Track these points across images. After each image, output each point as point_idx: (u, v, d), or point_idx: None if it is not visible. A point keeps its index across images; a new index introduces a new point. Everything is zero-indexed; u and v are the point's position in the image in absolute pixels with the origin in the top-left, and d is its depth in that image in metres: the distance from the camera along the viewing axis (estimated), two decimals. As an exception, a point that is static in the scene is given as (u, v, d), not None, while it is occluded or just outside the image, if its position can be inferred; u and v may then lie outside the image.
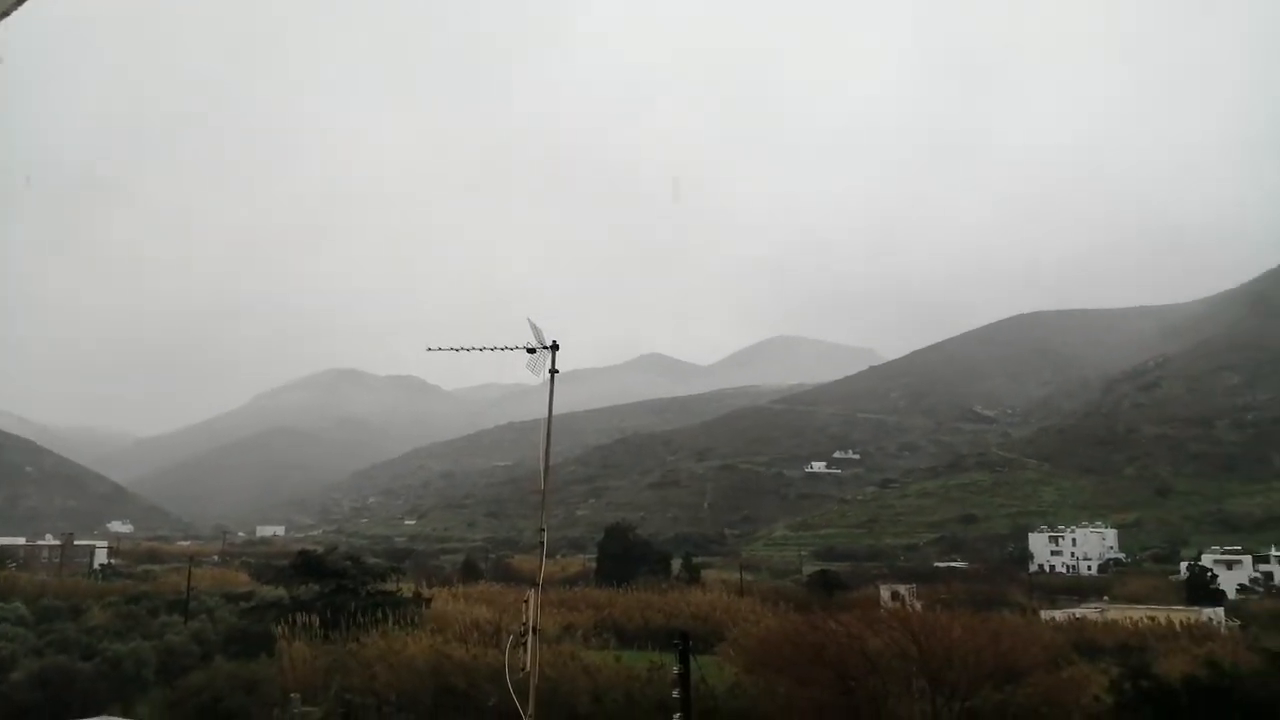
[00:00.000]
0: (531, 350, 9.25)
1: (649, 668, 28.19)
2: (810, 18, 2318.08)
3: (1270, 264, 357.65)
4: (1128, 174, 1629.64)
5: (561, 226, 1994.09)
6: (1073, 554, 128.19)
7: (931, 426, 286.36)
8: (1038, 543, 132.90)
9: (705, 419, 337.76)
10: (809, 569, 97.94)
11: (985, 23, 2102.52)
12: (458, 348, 10.02)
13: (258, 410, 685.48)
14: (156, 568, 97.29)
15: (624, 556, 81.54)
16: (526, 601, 8.91)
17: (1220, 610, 58.63)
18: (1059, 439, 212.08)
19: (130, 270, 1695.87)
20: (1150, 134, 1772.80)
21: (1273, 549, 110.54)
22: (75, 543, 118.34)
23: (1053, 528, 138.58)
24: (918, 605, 43.10)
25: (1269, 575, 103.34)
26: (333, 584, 43.05)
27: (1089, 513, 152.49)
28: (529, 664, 8.65)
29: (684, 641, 16.17)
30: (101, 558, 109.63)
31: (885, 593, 61.61)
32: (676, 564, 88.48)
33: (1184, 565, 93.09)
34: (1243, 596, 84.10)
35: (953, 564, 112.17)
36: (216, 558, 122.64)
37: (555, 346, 9.31)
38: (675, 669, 16.06)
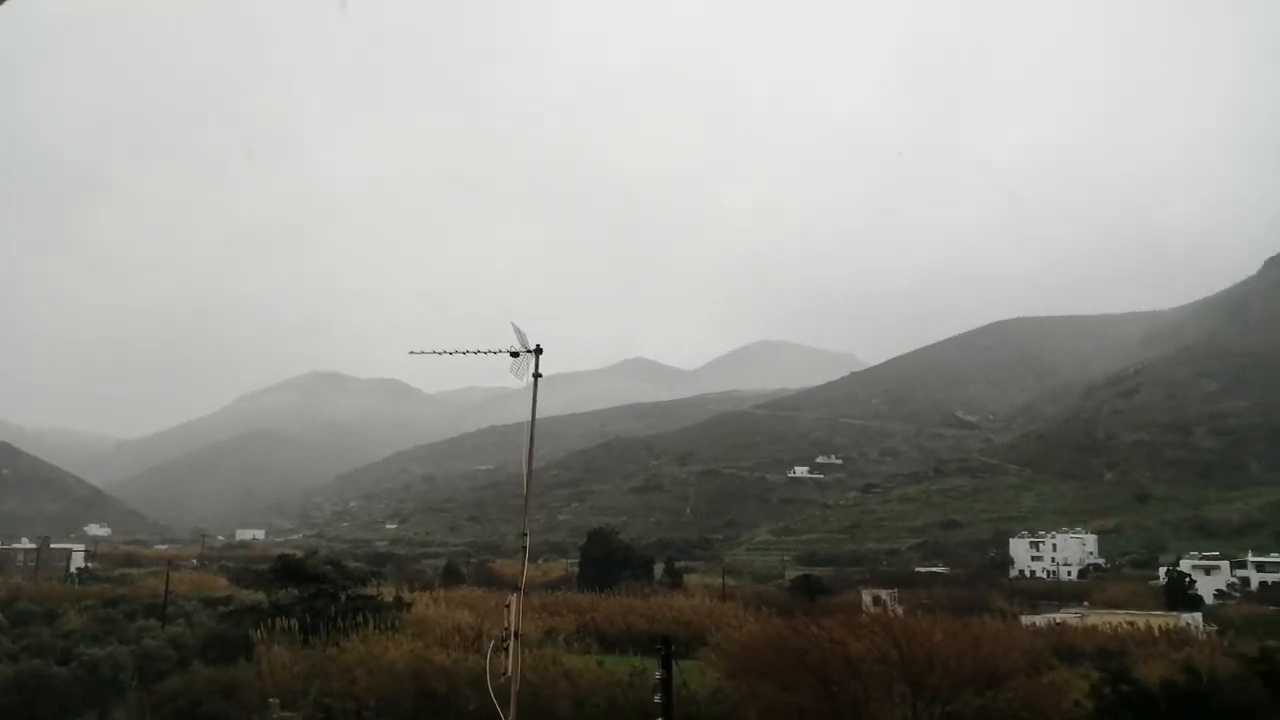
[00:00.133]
0: (515, 354, 9.22)
1: (631, 673, 28.13)
2: (795, 24, 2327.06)
3: (1249, 272, 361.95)
4: (1109, 182, 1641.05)
5: (545, 231, 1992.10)
6: (1053, 559, 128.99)
7: (913, 432, 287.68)
8: (1018, 548, 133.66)
9: (688, 423, 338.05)
10: (791, 574, 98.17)
11: (965, 31, 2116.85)
12: (440, 351, 9.96)
13: (238, 413, 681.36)
14: (134, 571, 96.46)
15: (606, 561, 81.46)
16: (509, 606, 8.86)
17: (1198, 615, 59.11)
18: (1040, 445, 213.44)
19: (110, 271, 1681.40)
20: (1131, 143, 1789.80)
21: (1250, 555, 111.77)
22: (51, 546, 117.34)
23: (1033, 533, 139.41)
24: (899, 610, 43.32)
25: (1246, 581, 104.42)
26: (313, 588, 42.80)
27: (1069, 518, 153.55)
28: (510, 669, 8.60)
29: (666, 646, 16.16)
30: (78, 561, 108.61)
31: (867, 597, 61.76)
32: (659, 569, 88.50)
33: (1163, 571, 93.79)
34: (1220, 602, 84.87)
35: (934, 569, 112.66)
36: (195, 562, 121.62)
37: (539, 350, 9.28)
38: (657, 674, 16.04)
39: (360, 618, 38.88)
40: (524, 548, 9.69)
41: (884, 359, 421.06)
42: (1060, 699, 24.21)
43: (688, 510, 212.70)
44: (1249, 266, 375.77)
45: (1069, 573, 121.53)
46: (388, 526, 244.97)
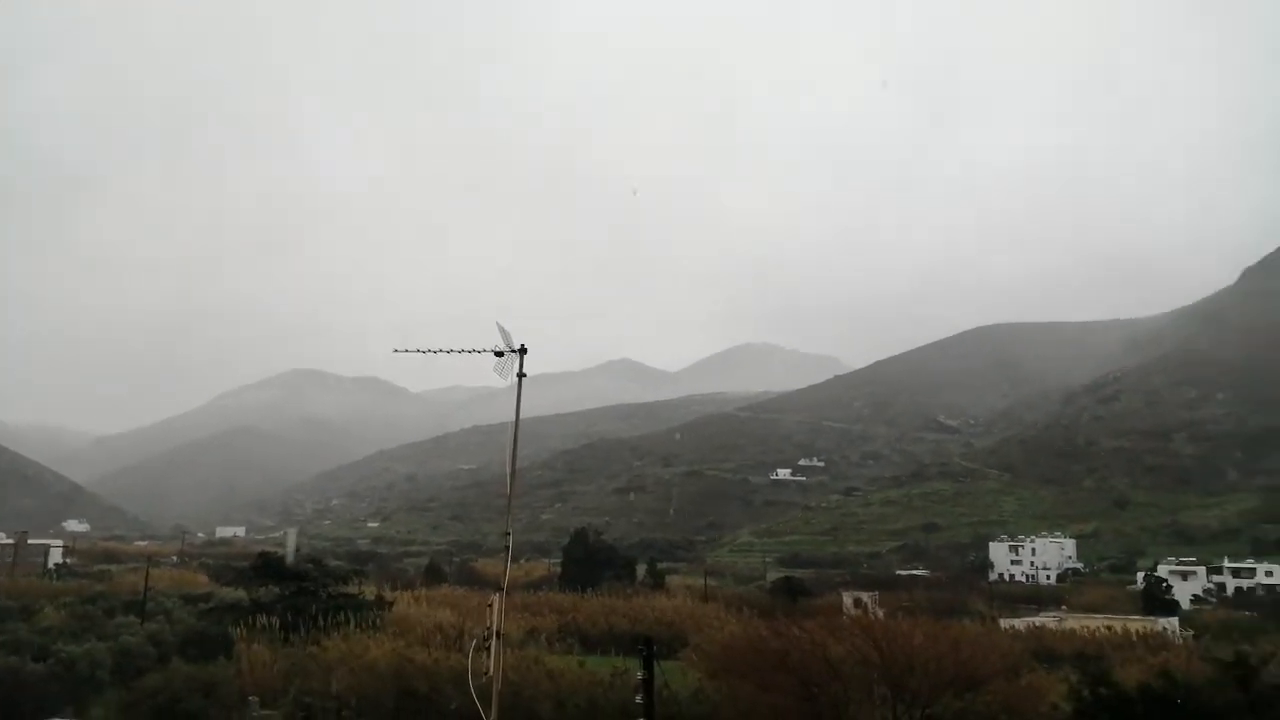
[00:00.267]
0: (499, 354, 9.26)
1: (613, 673, 28.17)
2: (782, 32, 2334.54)
3: (1227, 281, 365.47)
4: (1090, 192, 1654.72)
5: (532, 232, 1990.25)
6: (1032, 563, 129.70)
7: (895, 435, 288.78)
8: (998, 552, 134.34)
9: (672, 425, 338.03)
10: (773, 575, 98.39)
11: (952, 39, 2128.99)
12: (425, 349, 10.01)
13: (219, 410, 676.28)
14: (113, 568, 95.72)
15: (589, 561, 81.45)
16: (491, 605, 8.90)
17: (1175, 620, 59.56)
18: (1020, 450, 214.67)
19: (93, 267, 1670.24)
20: (1112, 154, 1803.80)
21: (1226, 561, 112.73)
22: (30, 541, 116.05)
23: (1013, 537, 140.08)
24: (880, 613, 43.51)
25: (1222, 586, 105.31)
26: (293, 586, 42.66)
27: (1048, 523, 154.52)
28: (492, 668, 8.63)
29: (648, 647, 16.18)
30: (56, 557, 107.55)
31: (848, 600, 61.98)
32: (641, 569, 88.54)
33: (1140, 576, 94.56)
34: (1197, 607, 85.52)
35: (915, 572, 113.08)
36: (175, 558, 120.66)
37: (523, 350, 9.32)
38: (639, 674, 16.07)
39: (341, 616, 38.78)
40: (507, 547, 9.74)
41: (867, 363, 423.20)
42: (1038, 702, 24.41)
43: (670, 511, 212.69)
44: (1227, 276, 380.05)
45: (1048, 577, 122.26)
46: (370, 525, 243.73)
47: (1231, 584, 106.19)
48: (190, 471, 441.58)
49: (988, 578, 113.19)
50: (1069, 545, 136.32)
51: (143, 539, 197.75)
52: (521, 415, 9.60)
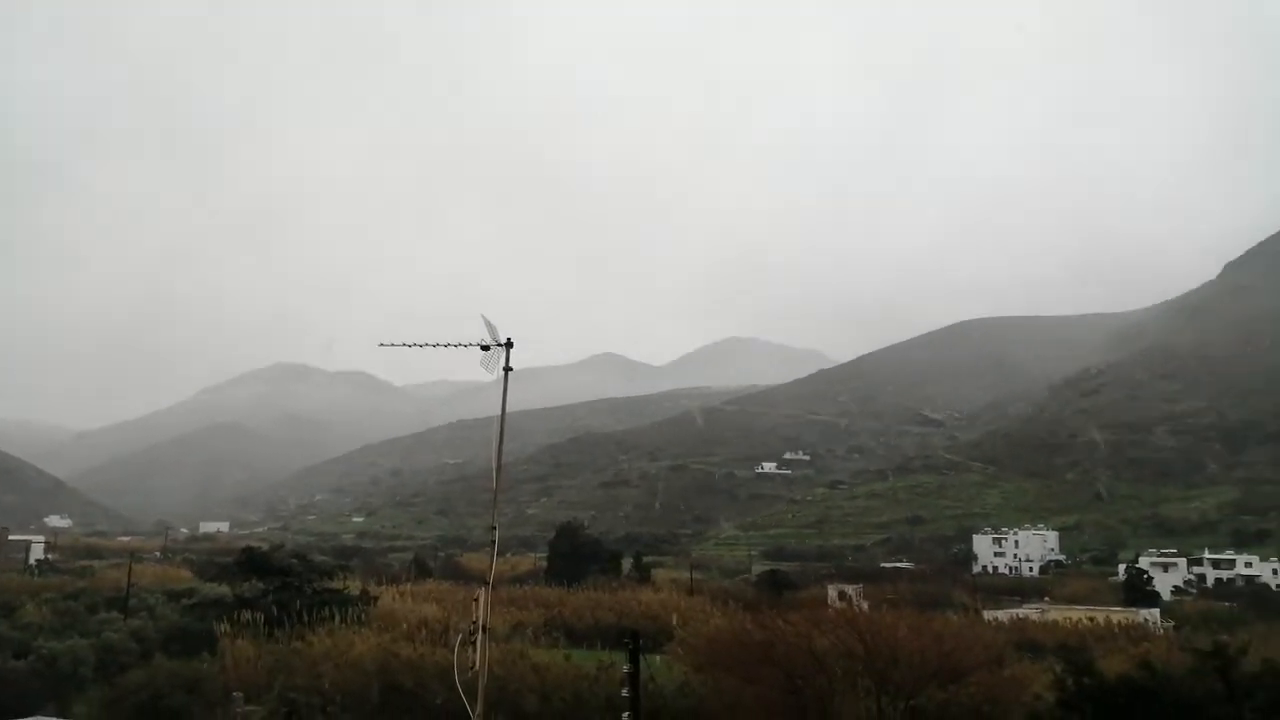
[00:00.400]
0: (485, 347, 9.23)
1: (598, 667, 28.22)
2: (767, 29, 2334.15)
3: (1208, 276, 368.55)
4: (1073, 187, 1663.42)
5: (517, 226, 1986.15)
6: (1015, 555, 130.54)
7: (880, 429, 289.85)
8: (981, 544, 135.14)
9: (658, 419, 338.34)
10: (758, 569, 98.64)
11: (933, 33, 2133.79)
12: (410, 343, 9.96)
13: (202, 405, 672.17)
14: (96, 564, 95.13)
15: (574, 555, 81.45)
16: (476, 600, 8.89)
17: (1156, 611, 60.19)
18: (1003, 443, 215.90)
19: (75, 260, 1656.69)
20: (1095, 149, 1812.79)
21: (1206, 552, 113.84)
22: (10, 537, 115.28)
23: (996, 530, 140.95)
24: (864, 605, 43.68)
25: (1202, 577, 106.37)
26: (278, 582, 42.44)
27: (1031, 515, 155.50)
28: (478, 663, 8.63)
29: (634, 641, 16.22)
30: (38, 553, 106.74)
31: (833, 592, 62.27)
32: (627, 563, 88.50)
33: (1122, 567, 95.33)
34: (1177, 598, 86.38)
35: (899, 564, 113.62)
36: (158, 554, 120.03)
37: (509, 344, 9.30)
38: (625, 668, 16.10)
39: (326, 611, 38.61)
40: (493, 542, 9.73)
41: (852, 357, 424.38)
42: (1021, 693, 24.57)
43: (656, 505, 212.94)
44: (1208, 270, 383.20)
45: (1031, 569, 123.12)
46: (354, 520, 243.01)
47: (1211, 575, 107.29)
48: (173, 466, 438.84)
49: (971, 570, 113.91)
50: (1051, 537, 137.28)
51: (125, 534, 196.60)
52: (507, 409, 9.59)
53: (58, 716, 26.83)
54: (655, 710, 22.70)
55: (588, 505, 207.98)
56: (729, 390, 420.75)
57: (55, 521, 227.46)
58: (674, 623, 40.60)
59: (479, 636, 8.62)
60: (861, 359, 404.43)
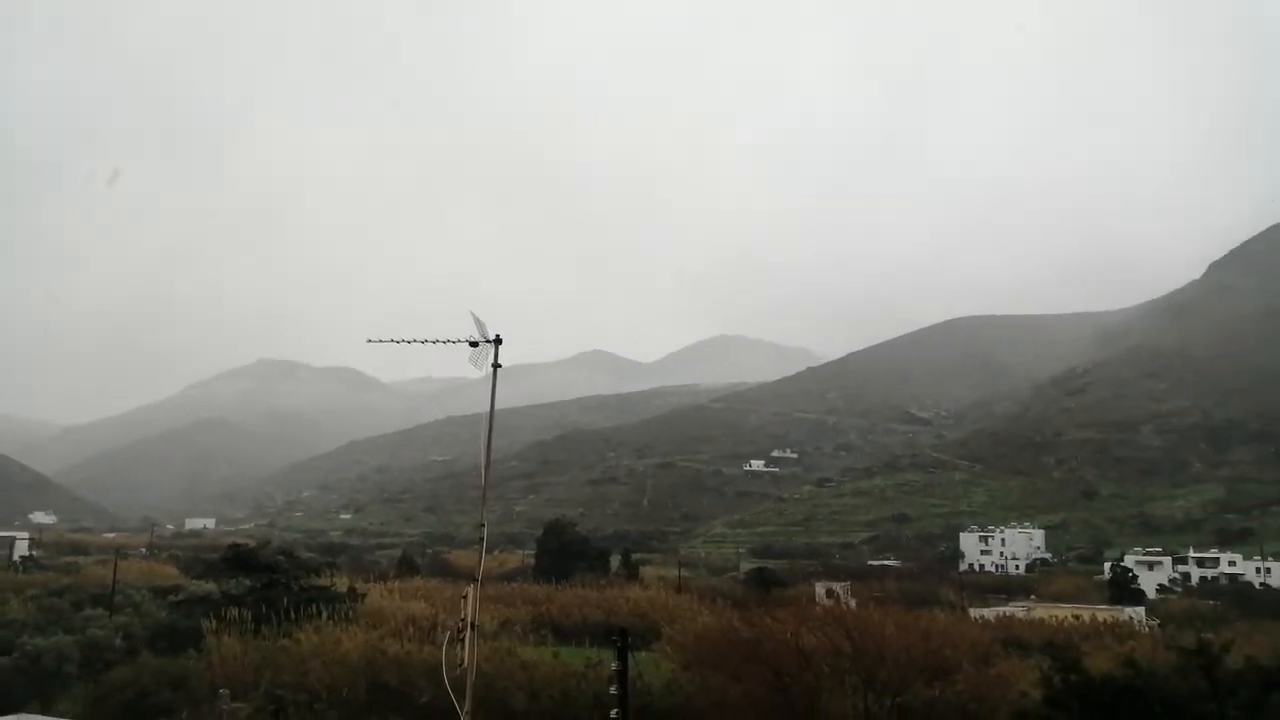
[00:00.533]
0: (474, 344, 9.18)
1: (586, 664, 28.19)
2: (760, 28, 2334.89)
3: (1193, 276, 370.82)
4: (1059, 187, 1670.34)
5: (514, 225, 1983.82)
6: (1001, 554, 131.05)
7: (867, 427, 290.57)
8: (968, 542, 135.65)
9: (646, 416, 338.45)
10: (746, 566, 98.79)
11: (925, 35, 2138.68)
12: (399, 339, 9.90)
13: (188, 400, 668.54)
14: (81, 560, 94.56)
15: (562, 552, 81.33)
16: (465, 597, 8.85)
17: (1141, 610, 60.47)
18: (990, 441, 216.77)
19: (73, 260, 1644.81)
20: (1082, 149, 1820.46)
21: (1191, 551, 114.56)
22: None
23: (983, 528, 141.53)
24: (852, 603, 43.84)
25: (1187, 576, 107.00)
26: (265, 578, 42.25)
27: (1017, 513, 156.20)
28: (467, 660, 8.59)
29: (622, 638, 16.20)
30: (22, 549, 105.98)
31: (820, 590, 62.40)
32: (615, 560, 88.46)
33: (1107, 566, 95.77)
34: (1162, 596, 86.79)
35: (886, 562, 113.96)
36: (144, 550, 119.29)
37: (498, 340, 9.25)
38: (613, 665, 16.09)
39: (313, 608, 38.46)
40: (481, 539, 9.70)
41: (840, 355, 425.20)
42: (1008, 690, 24.68)
43: (644, 502, 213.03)
44: (1193, 270, 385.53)
45: (1017, 567, 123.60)
46: (342, 517, 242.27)
47: (1196, 574, 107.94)
48: (159, 463, 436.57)
49: (958, 568, 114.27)
50: (1038, 536, 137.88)
51: (111, 531, 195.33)
52: (496, 406, 9.55)
53: (42, 714, 26.67)
54: (643, 707, 22.72)
55: (576, 502, 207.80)
56: (717, 388, 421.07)
57: (40, 518, 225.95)
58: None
59: (468, 634, 8.58)
60: (849, 357, 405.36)
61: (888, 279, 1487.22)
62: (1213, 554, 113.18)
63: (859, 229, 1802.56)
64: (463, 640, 8.58)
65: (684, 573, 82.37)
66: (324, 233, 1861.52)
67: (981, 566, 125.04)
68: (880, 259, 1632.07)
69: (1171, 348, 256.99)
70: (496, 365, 9.30)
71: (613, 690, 15.76)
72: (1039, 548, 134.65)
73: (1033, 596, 76.01)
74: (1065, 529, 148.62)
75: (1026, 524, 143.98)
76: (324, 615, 37.61)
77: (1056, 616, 52.29)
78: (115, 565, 59.01)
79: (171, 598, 47.37)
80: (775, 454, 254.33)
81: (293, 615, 37.38)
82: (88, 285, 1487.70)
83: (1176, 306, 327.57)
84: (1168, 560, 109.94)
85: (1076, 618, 51.35)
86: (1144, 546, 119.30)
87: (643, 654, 28.16)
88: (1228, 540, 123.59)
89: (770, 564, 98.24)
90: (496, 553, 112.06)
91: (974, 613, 55.34)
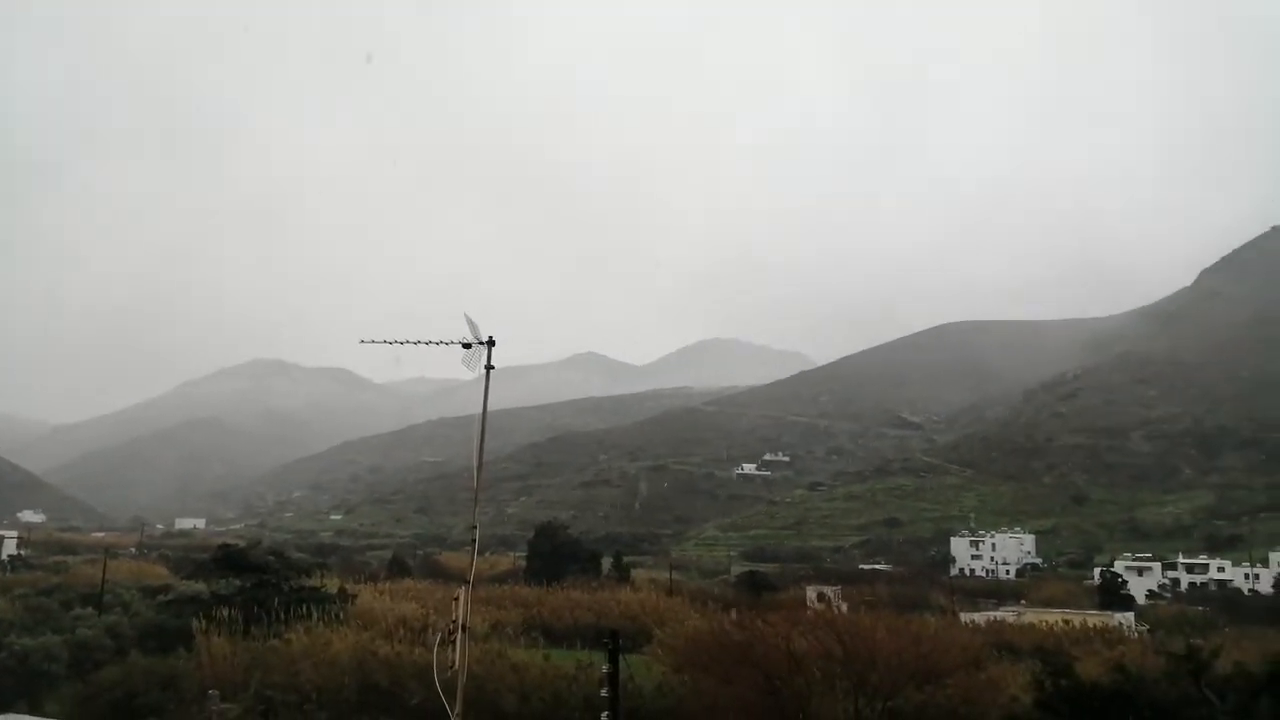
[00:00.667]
0: (467, 345, 9.17)
1: (577, 666, 28.16)
2: (755, 31, 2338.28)
3: (1184, 283, 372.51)
4: (1051, 193, 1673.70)
5: (512, 226, 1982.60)
6: (992, 558, 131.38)
7: (859, 431, 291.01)
8: (959, 547, 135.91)
9: (639, 419, 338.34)
10: (738, 569, 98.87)
11: (918, 39, 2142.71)
12: (392, 340, 9.89)
13: (180, 400, 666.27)
14: (70, 559, 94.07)
15: (554, 555, 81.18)
16: (457, 599, 8.84)
17: (1130, 615, 60.67)
18: (981, 446, 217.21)
19: (51, 254, 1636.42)
20: (1073, 155, 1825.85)
21: (1180, 557, 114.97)
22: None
23: (973, 532, 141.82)
24: (843, 606, 43.81)
25: (1176, 582, 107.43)
26: (255, 579, 42.17)
27: (1008, 518, 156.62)
28: (458, 662, 8.58)
29: (614, 640, 16.18)
30: (11, 548, 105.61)
31: (812, 594, 62.40)
32: (607, 563, 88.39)
33: (1097, 571, 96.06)
34: (1151, 602, 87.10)
35: (877, 566, 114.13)
36: (134, 550, 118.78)
37: (492, 342, 9.25)
38: (604, 668, 16.07)
39: (304, 609, 38.34)
40: (473, 540, 9.68)
41: (832, 359, 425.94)
42: (999, 694, 24.75)
43: (636, 505, 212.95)
44: (1184, 277, 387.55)
45: (1007, 572, 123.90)
46: (333, 517, 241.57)
47: (1185, 579, 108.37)
48: (150, 462, 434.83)
49: (949, 572, 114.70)
50: (1028, 541, 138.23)
51: (100, 530, 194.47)
52: (489, 408, 9.54)
53: (30, 714, 26.56)
54: (634, 710, 22.70)
55: (568, 505, 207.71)
56: (710, 391, 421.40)
57: (29, 516, 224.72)
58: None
59: (459, 635, 8.56)
60: (841, 361, 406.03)
61: (882, 283, 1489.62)
62: (1202, 560, 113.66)
63: (858, 229, 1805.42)
64: (454, 642, 8.57)
65: (675, 575, 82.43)
66: (322, 232, 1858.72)
67: (972, 571, 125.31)
68: (878, 260, 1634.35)
69: (1162, 354, 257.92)
70: (489, 367, 9.30)
71: (604, 693, 15.74)
72: (1029, 553, 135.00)
73: (1023, 601, 76.16)
74: (1056, 534, 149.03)
75: (1017, 529, 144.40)
76: (314, 616, 37.48)
77: (1047, 621, 52.38)
78: (105, 564, 58.75)
79: (161, 598, 47.20)
80: (767, 457, 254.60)
81: (283, 616, 37.26)
82: (84, 284, 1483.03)
83: (1167, 313, 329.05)
84: (1157, 566, 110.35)
85: (1066, 623, 51.45)
86: (1134, 552, 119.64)
87: (634, 657, 28.10)
88: (1217, 546, 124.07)
89: (762, 567, 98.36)
90: (488, 554, 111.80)
91: (964, 617, 55.37)
